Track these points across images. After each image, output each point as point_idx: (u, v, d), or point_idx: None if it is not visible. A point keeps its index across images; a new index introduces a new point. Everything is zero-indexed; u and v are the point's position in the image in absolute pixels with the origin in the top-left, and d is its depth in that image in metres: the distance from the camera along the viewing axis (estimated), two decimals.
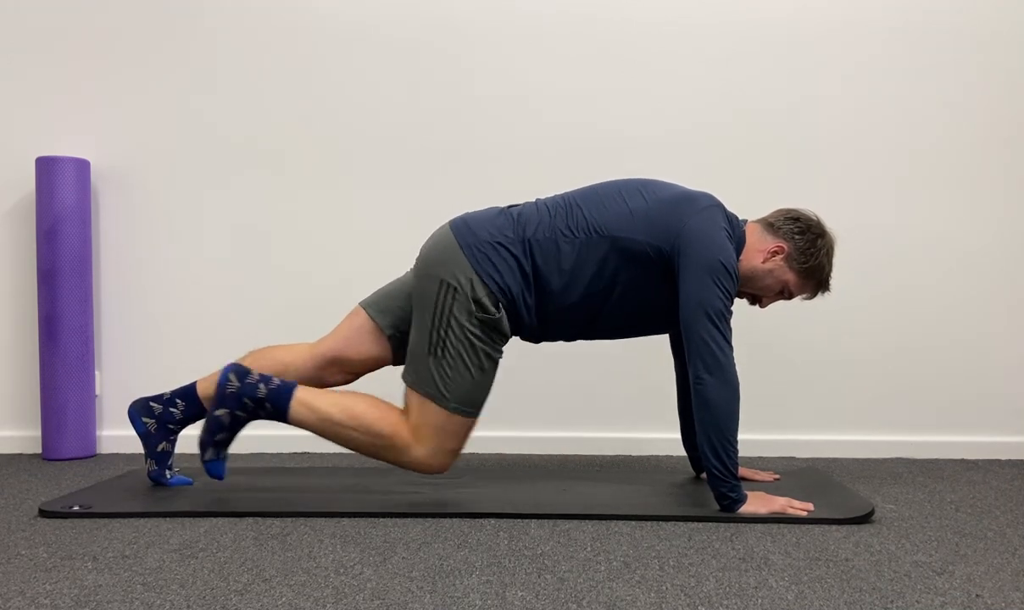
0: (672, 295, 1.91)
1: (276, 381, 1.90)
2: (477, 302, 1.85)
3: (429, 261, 1.93)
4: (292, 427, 1.93)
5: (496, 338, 1.90)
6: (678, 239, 1.87)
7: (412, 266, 2.08)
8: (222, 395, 1.88)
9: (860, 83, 2.70)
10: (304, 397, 1.89)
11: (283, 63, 2.74)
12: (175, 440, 2.07)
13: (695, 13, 2.71)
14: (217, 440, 1.91)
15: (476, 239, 1.90)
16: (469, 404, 1.89)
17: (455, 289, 1.86)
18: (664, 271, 1.90)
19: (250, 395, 1.87)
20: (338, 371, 2.05)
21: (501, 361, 1.94)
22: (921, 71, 2.69)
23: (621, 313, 1.96)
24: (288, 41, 2.73)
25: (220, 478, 1.95)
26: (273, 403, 1.88)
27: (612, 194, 1.96)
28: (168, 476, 2.06)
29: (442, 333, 1.86)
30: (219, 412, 1.88)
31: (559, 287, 1.90)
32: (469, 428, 1.93)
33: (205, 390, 2.03)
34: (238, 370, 1.90)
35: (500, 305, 1.87)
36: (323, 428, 1.90)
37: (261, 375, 1.90)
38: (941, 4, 2.68)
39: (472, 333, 1.86)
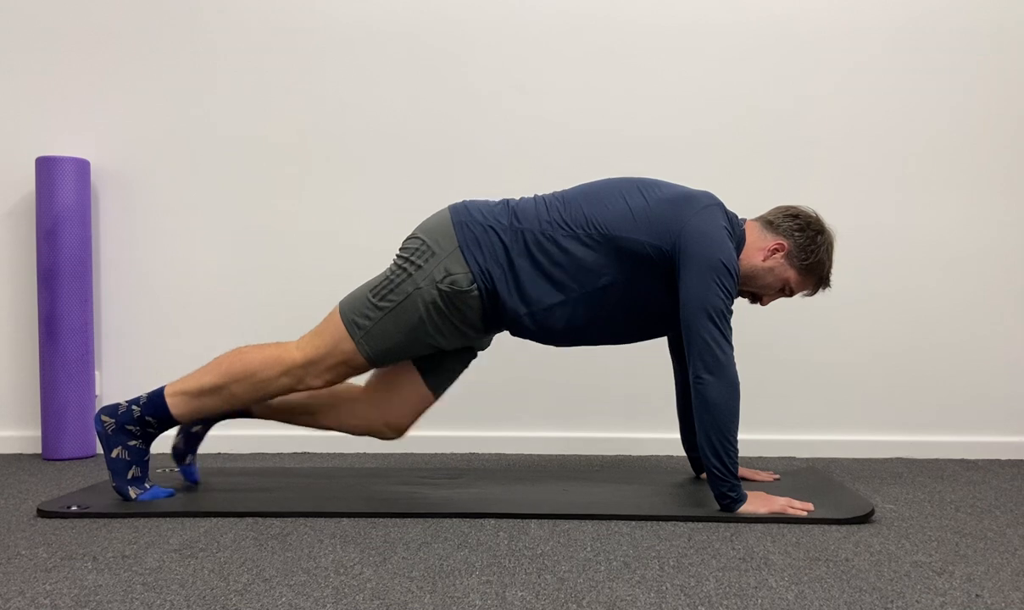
0: (670, 297, 1.91)
1: (144, 396, 1.92)
2: (449, 274, 1.85)
3: (420, 227, 1.96)
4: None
5: (451, 316, 1.88)
6: (679, 238, 1.86)
7: None
8: (105, 437, 1.89)
9: (860, 83, 2.70)
10: (173, 388, 1.90)
11: (283, 63, 2.74)
12: (201, 437, 2.09)
13: (695, 13, 2.71)
14: (131, 477, 1.91)
15: (469, 218, 1.91)
16: (375, 351, 1.89)
17: (432, 253, 1.87)
18: (664, 271, 1.89)
19: (128, 421, 1.89)
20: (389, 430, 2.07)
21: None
22: (921, 71, 2.69)
23: (618, 314, 1.95)
24: (288, 41, 2.74)
25: (170, 495, 1.95)
26: (151, 413, 1.89)
27: (612, 192, 1.95)
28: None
29: (395, 281, 1.88)
30: (114, 454, 1.90)
31: (556, 284, 1.89)
32: (355, 369, 1.92)
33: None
34: (106, 409, 1.91)
35: (474, 284, 1.87)
36: (210, 406, 1.91)
37: (129, 400, 1.92)
38: (941, 4, 2.68)
39: (422, 297, 1.85)
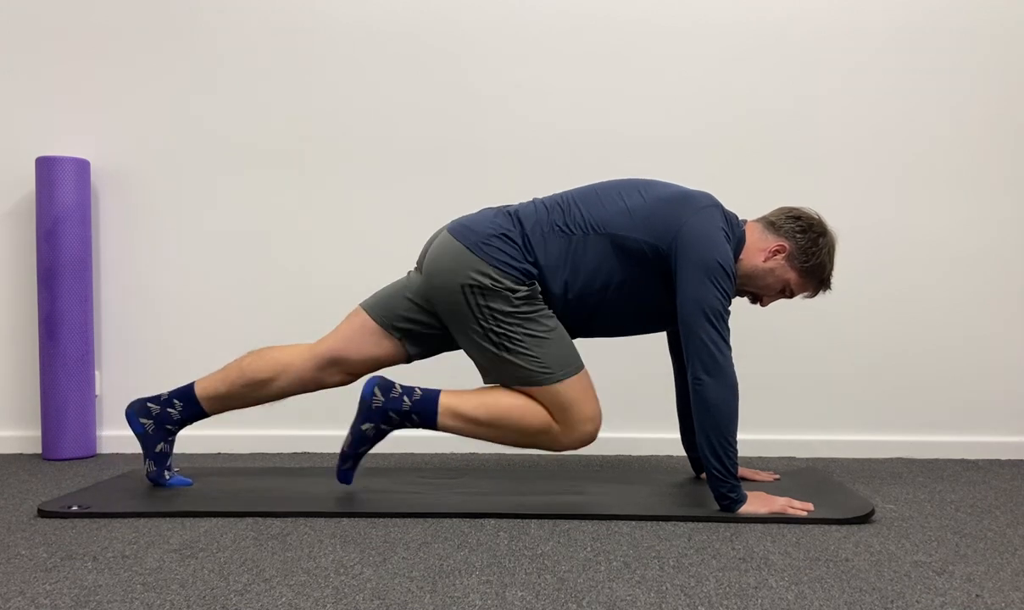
0: (669, 294, 1.91)
1: (419, 392, 1.93)
2: (507, 289, 1.87)
3: (441, 272, 1.92)
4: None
5: (541, 303, 1.91)
6: (676, 239, 1.86)
7: (413, 267, 2.08)
8: (368, 410, 1.92)
9: (860, 84, 2.70)
10: (449, 404, 1.92)
11: (283, 63, 2.74)
12: (173, 441, 2.07)
13: (695, 14, 2.71)
14: (360, 452, 1.97)
15: (480, 236, 1.90)
16: (568, 363, 1.91)
17: (479, 287, 1.87)
18: (661, 270, 1.90)
19: (395, 409, 1.91)
20: (338, 372, 2.05)
21: None
22: (921, 71, 2.69)
23: (617, 311, 1.96)
24: (288, 41, 2.73)
25: (348, 484, 2.02)
26: (420, 415, 1.92)
27: (610, 193, 1.96)
28: (167, 477, 2.06)
29: (497, 329, 1.88)
30: (365, 427, 1.93)
31: (557, 284, 1.90)
32: (586, 381, 1.95)
33: (204, 391, 2.03)
34: (382, 384, 1.92)
35: (526, 282, 1.89)
36: (472, 432, 1.94)
37: (404, 387, 1.93)
38: (942, 4, 2.68)
39: (520, 313, 1.88)
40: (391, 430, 1.95)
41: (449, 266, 1.91)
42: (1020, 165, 2.70)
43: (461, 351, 2.02)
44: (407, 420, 1.92)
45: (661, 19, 2.71)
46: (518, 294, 1.87)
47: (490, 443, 1.99)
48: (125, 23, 2.74)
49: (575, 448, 1.96)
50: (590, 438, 1.95)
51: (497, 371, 1.93)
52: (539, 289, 1.91)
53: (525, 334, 1.88)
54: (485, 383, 1.98)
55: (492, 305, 1.87)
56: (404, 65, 2.73)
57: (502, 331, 1.88)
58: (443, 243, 1.95)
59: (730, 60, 2.71)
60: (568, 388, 1.90)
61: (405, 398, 1.92)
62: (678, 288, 1.85)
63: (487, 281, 1.86)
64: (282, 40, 2.74)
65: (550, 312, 1.93)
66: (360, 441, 1.96)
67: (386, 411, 1.91)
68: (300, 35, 2.73)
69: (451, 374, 2.10)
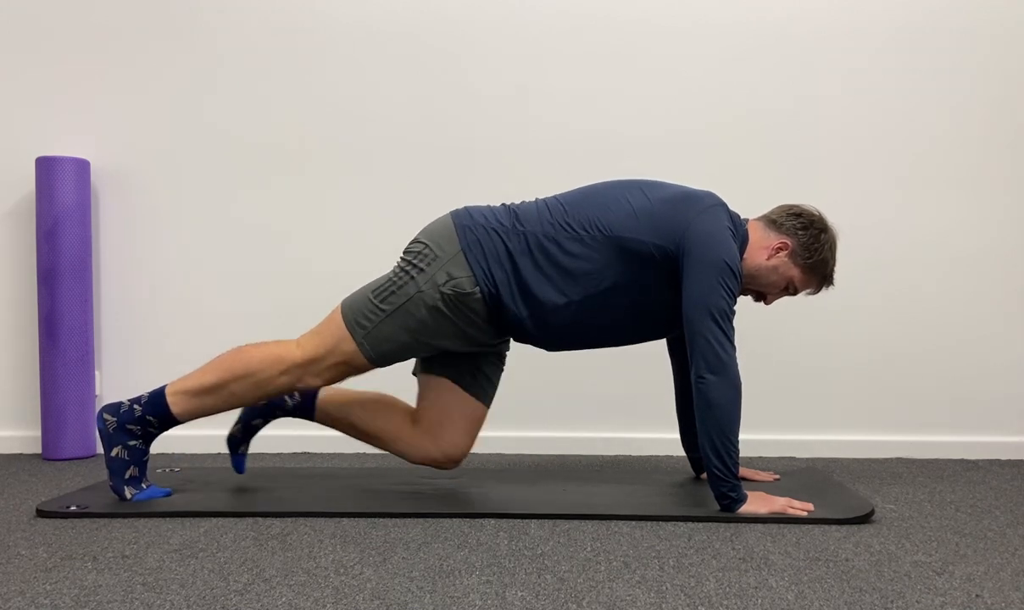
0: (673, 297, 1.91)
1: (145, 395, 1.92)
2: (452, 278, 1.85)
3: (423, 232, 1.96)
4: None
5: (456, 319, 1.88)
6: (682, 238, 1.86)
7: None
8: (106, 436, 1.90)
9: (861, 84, 2.70)
10: (174, 389, 1.90)
11: (283, 62, 2.74)
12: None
13: (695, 14, 2.71)
14: (128, 477, 1.91)
15: (471, 222, 1.91)
16: (377, 353, 1.89)
17: (435, 257, 1.87)
18: (667, 272, 1.89)
19: (129, 420, 1.89)
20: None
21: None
22: (922, 71, 2.69)
23: (621, 315, 1.94)
24: (288, 41, 2.74)
25: (167, 494, 1.95)
26: (153, 414, 1.89)
27: (615, 194, 1.94)
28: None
29: (397, 283, 1.88)
30: (113, 453, 1.90)
31: (558, 285, 1.88)
32: (356, 369, 1.92)
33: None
34: (109, 408, 1.91)
35: (477, 287, 1.86)
36: (209, 404, 1.90)
37: (131, 399, 1.92)
38: (942, 4, 2.68)
39: (424, 300, 1.85)
40: (144, 444, 1.91)
41: (432, 232, 1.93)
42: (1020, 165, 2.70)
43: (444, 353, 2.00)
44: (147, 426, 1.89)
45: (661, 19, 2.71)
46: (449, 291, 1.84)
47: (227, 410, 1.94)
48: (125, 23, 2.74)
49: (303, 375, 1.88)
50: (312, 382, 1.89)
51: (353, 297, 1.92)
52: (477, 301, 1.86)
53: (397, 309, 1.86)
54: (341, 302, 1.94)
55: (423, 274, 1.86)
56: (404, 65, 2.73)
57: (396, 288, 1.87)
58: (441, 218, 1.97)
59: (730, 60, 2.71)
60: (350, 354, 1.87)
61: (135, 406, 1.90)
62: (684, 287, 1.85)
63: (445, 259, 1.86)
64: (282, 40, 2.74)
65: (439, 331, 1.88)
66: (118, 469, 1.90)
67: (123, 426, 1.88)
68: (300, 35, 2.73)
69: None
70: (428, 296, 1.86)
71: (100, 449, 2.74)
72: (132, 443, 1.91)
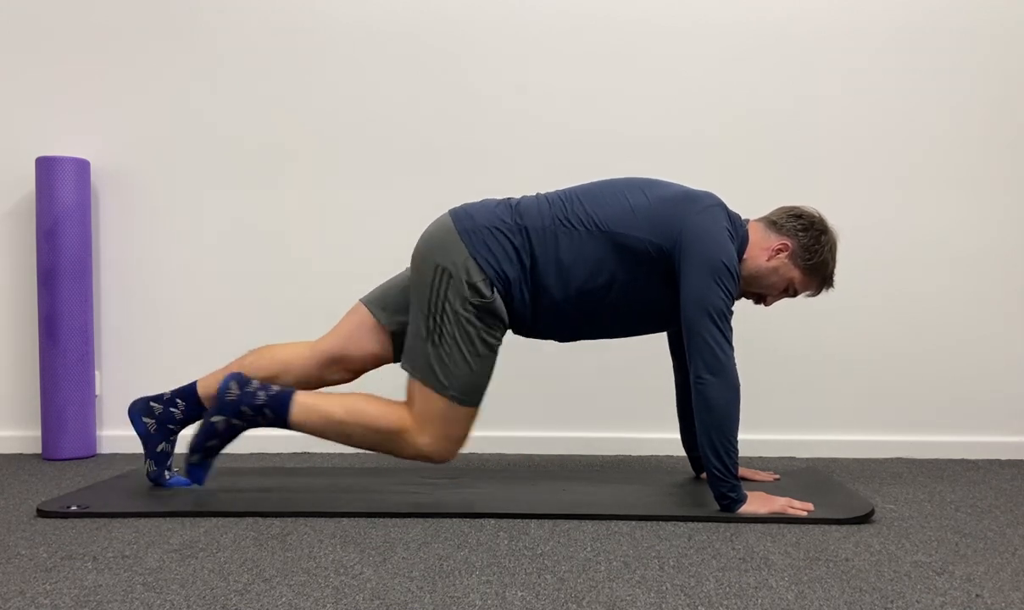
0: (671, 294, 1.91)
1: (275, 388, 1.91)
2: (472, 286, 1.85)
3: (426, 247, 1.93)
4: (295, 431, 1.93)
5: (492, 323, 1.89)
6: (680, 238, 1.86)
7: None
8: (221, 402, 1.89)
9: (861, 84, 2.70)
10: (303, 400, 1.90)
11: (283, 62, 2.74)
12: (175, 441, 2.07)
13: (695, 14, 2.71)
14: (208, 446, 1.92)
15: (474, 224, 1.90)
16: (469, 393, 1.88)
17: (450, 274, 1.86)
18: (664, 269, 1.89)
19: (248, 403, 1.88)
20: (339, 369, 2.05)
21: (500, 355, 1.93)
22: (922, 71, 2.69)
23: (619, 311, 1.95)
24: (288, 40, 2.73)
25: (200, 484, 1.96)
26: (272, 409, 1.89)
27: (613, 191, 1.95)
28: (167, 477, 2.06)
29: (438, 319, 1.86)
30: (215, 419, 1.90)
31: (556, 280, 1.89)
32: (471, 417, 1.92)
33: (206, 390, 2.03)
34: (239, 378, 1.91)
35: (494, 289, 1.87)
36: (325, 429, 1.91)
37: (261, 383, 1.91)
38: (942, 4, 2.68)
39: (467, 319, 1.85)
40: (243, 427, 1.90)
41: (435, 243, 1.91)
42: (1020, 165, 2.70)
43: None
44: (260, 415, 1.89)
45: (661, 19, 2.71)
46: (476, 300, 1.85)
47: (341, 444, 1.95)
48: (125, 23, 2.74)
49: (421, 458, 1.91)
50: (441, 456, 1.91)
51: (413, 355, 1.90)
52: (499, 306, 1.87)
53: (455, 342, 1.85)
54: (401, 365, 1.93)
55: (449, 296, 1.85)
56: (404, 65, 2.73)
57: (441, 323, 1.86)
58: (440, 222, 1.95)
59: (730, 60, 2.71)
60: (454, 410, 1.87)
61: (260, 393, 1.89)
62: (681, 287, 1.85)
63: (460, 271, 1.85)
64: (282, 40, 2.74)
65: (494, 340, 1.90)
66: (209, 433, 1.90)
67: (239, 405, 1.88)
68: (300, 35, 2.73)
69: None
70: (464, 317, 1.85)
71: (100, 449, 2.74)
72: (235, 422, 1.89)
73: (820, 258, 1.98)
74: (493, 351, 1.91)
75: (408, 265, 2.11)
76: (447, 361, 1.85)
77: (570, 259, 1.89)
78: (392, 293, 2.05)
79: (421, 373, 1.87)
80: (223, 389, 1.89)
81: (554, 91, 2.72)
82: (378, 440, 1.91)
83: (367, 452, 2.69)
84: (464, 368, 1.86)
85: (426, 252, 1.92)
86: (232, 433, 1.92)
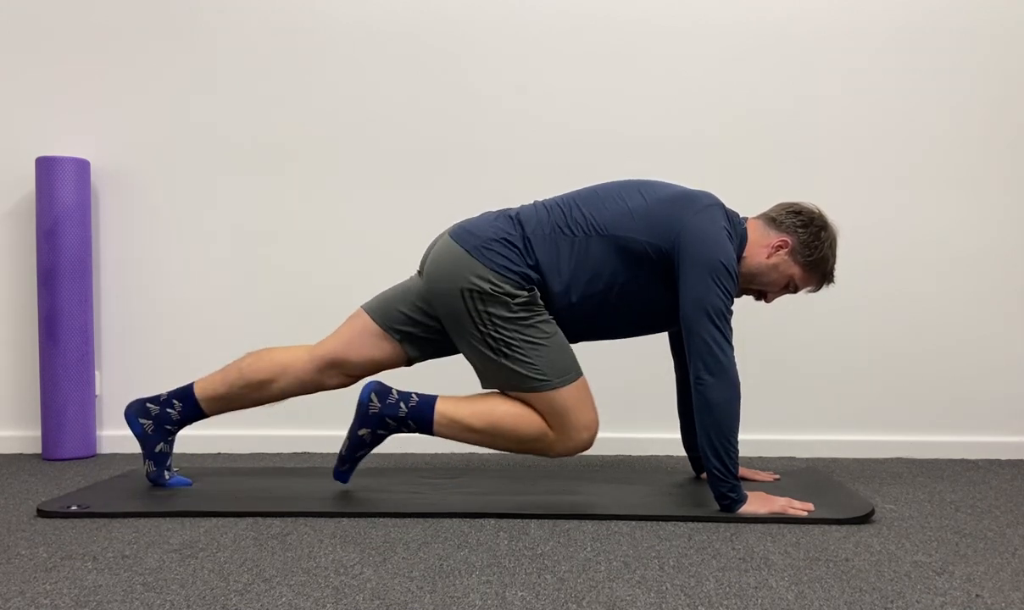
0: (671, 295, 1.91)
1: (415, 398, 1.93)
2: (506, 294, 1.86)
3: (442, 277, 1.92)
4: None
5: (540, 309, 1.91)
6: (678, 238, 1.86)
7: (415, 270, 2.08)
8: (364, 415, 1.92)
9: (861, 84, 2.70)
10: (445, 411, 1.92)
11: (283, 63, 2.74)
12: (173, 441, 2.07)
13: (695, 14, 2.71)
14: (358, 456, 1.99)
15: (480, 240, 1.90)
16: (566, 371, 1.90)
17: (479, 291, 1.87)
18: (663, 270, 1.90)
19: (391, 415, 1.91)
20: (338, 373, 2.05)
21: None
22: (922, 71, 2.69)
23: (620, 313, 1.96)
24: (288, 41, 2.73)
25: (344, 483, 2.04)
26: (416, 421, 1.92)
27: (611, 194, 1.96)
28: (167, 477, 2.06)
29: (496, 334, 1.88)
30: (362, 432, 1.93)
31: (559, 287, 1.90)
32: (584, 388, 1.94)
33: (203, 391, 2.03)
34: (379, 390, 1.93)
35: (526, 287, 1.88)
36: (467, 439, 1.94)
37: (400, 393, 1.93)
38: (942, 4, 2.68)
39: (519, 319, 1.87)
40: (388, 435, 1.95)
41: (449, 270, 1.90)
42: (1020, 165, 2.70)
43: (462, 370, 2.01)
44: (403, 426, 1.93)
45: (661, 19, 2.71)
46: (517, 300, 1.87)
47: (486, 448, 1.99)
48: (125, 23, 2.74)
49: (570, 454, 1.95)
50: (585, 445, 1.95)
51: (494, 376, 1.93)
52: (538, 294, 1.90)
53: (523, 340, 1.87)
54: (483, 388, 1.97)
55: (491, 310, 1.87)
56: (404, 65, 2.73)
57: (500, 336, 1.87)
58: (444, 247, 1.95)
59: (730, 60, 2.71)
60: (565, 395, 1.89)
61: (401, 404, 1.92)
62: (680, 288, 1.85)
63: (487, 286, 1.86)
64: (282, 40, 2.74)
65: (550, 317, 1.92)
66: (357, 446, 1.97)
67: (383, 417, 1.92)
68: (300, 35, 2.73)
69: (452, 379, 2.09)
70: (515, 317, 1.87)
71: (100, 449, 2.74)
72: (380, 432, 1.94)
73: (820, 254, 1.98)
74: (556, 326, 1.93)
75: (409, 269, 2.12)
76: (529, 359, 1.87)
77: (572, 265, 1.89)
78: (394, 301, 2.05)
79: (517, 384, 1.89)
80: (364, 401, 1.92)
81: (554, 91, 2.72)
82: (522, 447, 1.95)
83: None
84: (545, 353, 1.88)
85: (446, 283, 1.91)
86: (378, 441, 1.96)
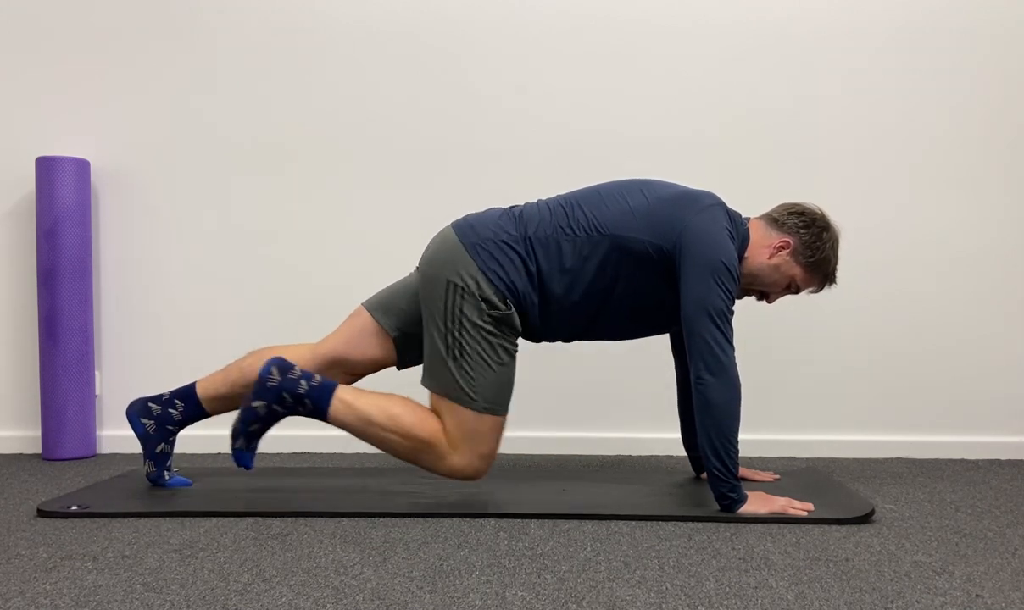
0: (672, 295, 1.91)
1: (318, 378, 1.89)
2: (486, 300, 1.85)
3: (434, 262, 1.92)
4: (329, 427, 1.92)
5: (508, 333, 1.89)
6: (680, 238, 1.86)
7: (415, 268, 2.08)
8: (262, 387, 1.86)
9: (861, 84, 2.70)
10: (345, 396, 1.88)
11: (283, 63, 2.74)
12: (174, 441, 2.07)
13: (695, 14, 2.71)
14: (250, 431, 1.89)
15: (479, 238, 1.90)
16: (496, 401, 1.88)
17: (463, 289, 1.86)
18: (665, 270, 1.90)
19: (290, 390, 1.86)
20: (339, 372, 2.05)
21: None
22: (922, 71, 2.69)
23: (621, 313, 1.96)
24: (288, 41, 2.74)
25: (248, 468, 1.93)
26: (313, 400, 1.87)
27: (613, 193, 1.96)
28: (167, 477, 2.06)
29: (457, 335, 1.86)
30: (256, 404, 1.87)
31: (561, 286, 1.90)
32: (500, 428, 1.92)
33: (205, 391, 2.03)
34: (281, 364, 1.88)
35: (508, 302, 1.87)
36: (361, 429, 1.90)
37: (303, 371, 1.89)
38: (942, 4, 2.68)
39: (486, 330, 1.86)
40: (283, 413, 1.88)
41: (443, 258, 1.90)
42: (1020, 165, 2.70)
43: None
44: (300, 404, 1.87)
45: (661, 19, 2.71)
46: (492, 312, 1.85)
47: (375, 448, 1.93)
48: (125, 23, 2.74)
49: (454, 475, 1.90)
50: (473, 472, 1.91)
51: (434, 374, 1.90)
52: (515, 318, 1.88)
53: (478, 354, 1.86)
54: (421, 383, 1.93)
55: (465, 311, 1.86)
56: (404, 65, 2.73)
57: (459, 339, 1.86)
58: (444, 236, 1.95)
59: (730, 60, 2.71)
60: (482, 422, 1.87)
61: (303, 381, 1.86)
62: (681, 288, 1.85)
63: (472, 284, 1.86)
64: (282, 40, 2.74)
65: (514, 348, 1.91)
66: (250, 417, 1.88)
67: (280, 391, 1.85)
68: (300, 35, 2.73)
69: None
70: (484, 330, 1.86)
71: (100, 449, 2.74)
72: (276, 407, 1.86)
73: (822, 255, 1.98)
74: (513, 359, 1.92)
75: (409, 268, 2.12)
76: (471, 373, 1.85)
77: (574, 265, 1.89)
78: (395, 299, 2.05)
79: (446, 389, 1.87)
80: (264, 374, 1.86)
81: (554, 91, 2.72)
82: (412, 449, 1.89)
83: (367, 452, 2.70)
84: (489, 376, 1.87)
85: (436, 270, 1.91)
86: (272, 419, 1.89)
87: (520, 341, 2.07)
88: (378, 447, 1.92)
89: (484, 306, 1.85)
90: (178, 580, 1.42)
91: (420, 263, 1.98)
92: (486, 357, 1.86)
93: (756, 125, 2.70)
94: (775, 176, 2.67)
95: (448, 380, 1.87)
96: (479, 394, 1.86)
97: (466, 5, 2.72)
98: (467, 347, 1.86)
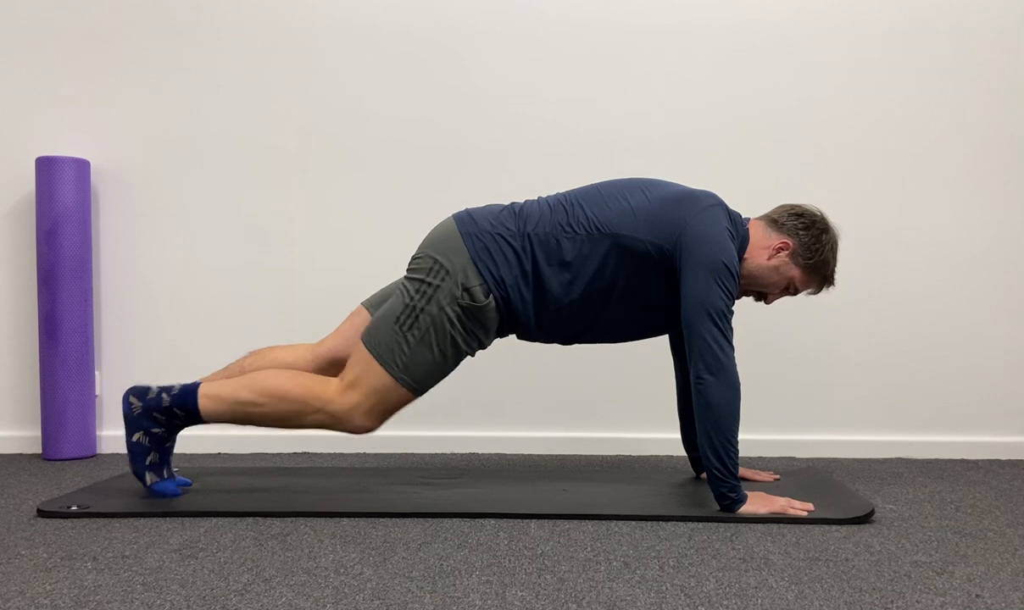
0: (672, 295, 1.91)
1: (177, 387, 1.90)
2: (466, 289, 1.86)
3: (427, 244, 1.95)
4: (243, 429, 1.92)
5: (472, 330, 1.89)
6: (680, 238, 1.86)
7: None
8: (130, 419, 1.89)
9: (861, 84, 2.70)
10: (208, 391, 1.89)
11: (284, 63, 2.74)
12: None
13: (696, 14, 2.71)
14: (150, 463, 1.92)
15: (477, 228, 1.90)
16: (420, 382, 1.89)
17: (447, 271, 1.87)
18: (665, 270, 1.90)
19: (156, 408, 1.88)
20: (340, 370, 2.04)
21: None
22: (922, 71, 2.69)
23: (621, 313, 1.95)
24: (289, 41, 2.73)
25: (176, 495, 1.94)
26: (180, 406, 1.88)
27: (614, 192, 1.96)
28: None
29: (418, 307, 1.87)
30: (135, 437, 1.90)
31: (559, 285, 1.90)
32: (405, 402, 1.92)
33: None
34: (136, 391, 1.90)
35: (491, 296, 1.87)
36: (239, 412, 1.89)
37: (161, 386, 1.91)
38: (942, 4, 2.68)
39: (449, 317, 1.86)
40: (165, 434, 1.91)
41: (438, 242, 1.92)
42: (1020, 165, 2.69)
43: (461, 371, 2.00)
44: (172, 418, 1.89)
45: (661, 19, 2.71)
46: (465, 302, 1.85)
47: (259, 426, 1.93)
48: (125, 23, 2.74)
49: (341, 419, 1.88)
50: (351, 422, 1.89)
51: (377, 331, 1.89)
52: (492, 317, 1.89)
53: (430, 334, 1.86)
54: (359, 337, 1.93)
55: (438, 290, 1.86)
56: (406, 65, 2.73)
57: (419, 313, 1.86)
58: (444, 225, 1.97)
59: (730, 60, 2.71)
60: (393, 390, 1.87)
61: (164, 395, 1.88)
62: (682, 288, 1.85)
63: (458, 271, 1.86)
64: (283, 40, 2.74)
65: (466, 346, 1.90)
66: (139, 451, 1.90)
67: (149, 412, 1.88)
68: (302, 35, 2.73)
69: (456, 391, 2.09)
70: (449, 312, 1.86)
71: (100, 449, 2.74)
72: (155, 430, 1.90)
73: (821, 257, 1.98)
74: (460, 357, 1.92)
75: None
76: (408, 347, 1.86)
77: (573, 264, 1.89)
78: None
79: (378, 350, 1.87)
80: (127, 409, 1.89)
81: (555, 91, 2.72)
82: (294, 412, 1.88)
83: (367, 452, 2.70)
84: (428, 360, 1.87)
85: (428, 247, 1.93)
86: (161, 442, 1.91)
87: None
88: (262, 425, 1.92)
89: (460, 293, 1.85)
90: (178, 580, 1.42)
91: (420, 245, 1.99)
92: (434, 339, 1.86)
93: (756, 125, 2.70)
94: (775, 176, 2.67)
95: (385, 340, 1.87)
96: (409, 371, 1.86)
97: (467, 5, 2.72)
98: (420, 322, 1.86)
